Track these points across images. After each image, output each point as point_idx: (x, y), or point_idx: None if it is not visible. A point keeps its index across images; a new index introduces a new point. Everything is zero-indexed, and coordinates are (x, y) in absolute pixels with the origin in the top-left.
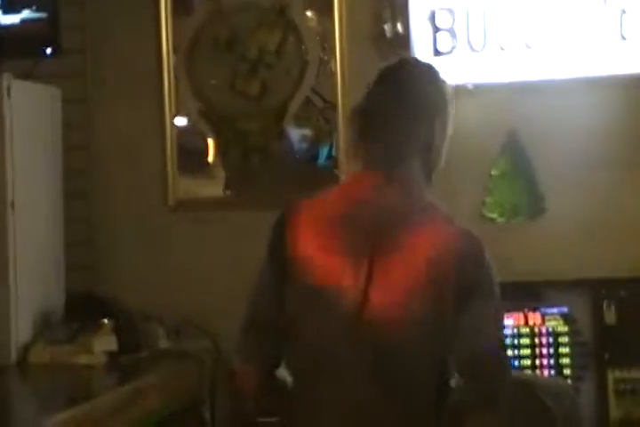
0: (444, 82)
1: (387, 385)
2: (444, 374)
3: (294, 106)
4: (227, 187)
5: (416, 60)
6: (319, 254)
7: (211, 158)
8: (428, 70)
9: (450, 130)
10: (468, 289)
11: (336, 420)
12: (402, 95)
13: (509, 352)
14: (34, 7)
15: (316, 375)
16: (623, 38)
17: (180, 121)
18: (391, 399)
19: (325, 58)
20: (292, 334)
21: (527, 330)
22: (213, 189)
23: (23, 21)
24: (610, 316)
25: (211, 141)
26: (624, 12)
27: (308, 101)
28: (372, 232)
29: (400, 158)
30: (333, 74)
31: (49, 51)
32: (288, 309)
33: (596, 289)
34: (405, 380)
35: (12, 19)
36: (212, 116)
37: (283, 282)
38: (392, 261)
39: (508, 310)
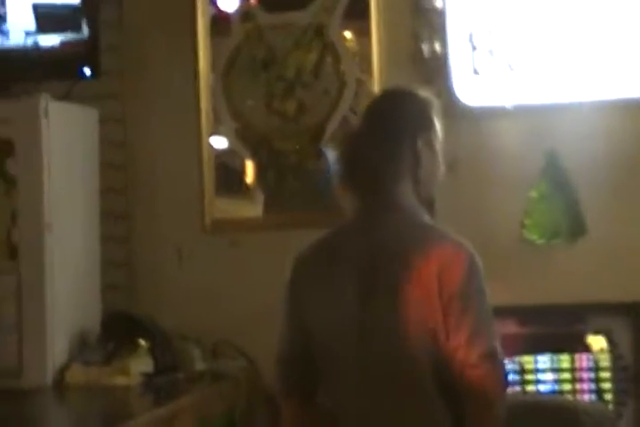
0: (426, 103)
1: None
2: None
3: (331, 126)
4: (264, 208)
5: (398, 87)
6: (323, 303)
7: (248, 179)
8: (408, 93)
9: (439, 148)
10: (454, 298)
11: None
12: (379, 120)
13: (549, 376)
14: (73, 29)
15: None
16: None
17: (218, 141)
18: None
19: (363, 78)
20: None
21: (567, 355)
22: (250, 209)
23: (62, 43)
24: None
25: (248, 162)
26: None
27: (345, 121)
28: (368, 264)
29: (387, 183)
30: (371, 94)
31: (88, 72)
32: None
33: (638, 312)
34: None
35: (52, 40)
36: (248, 137)
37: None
38: (388, 289)
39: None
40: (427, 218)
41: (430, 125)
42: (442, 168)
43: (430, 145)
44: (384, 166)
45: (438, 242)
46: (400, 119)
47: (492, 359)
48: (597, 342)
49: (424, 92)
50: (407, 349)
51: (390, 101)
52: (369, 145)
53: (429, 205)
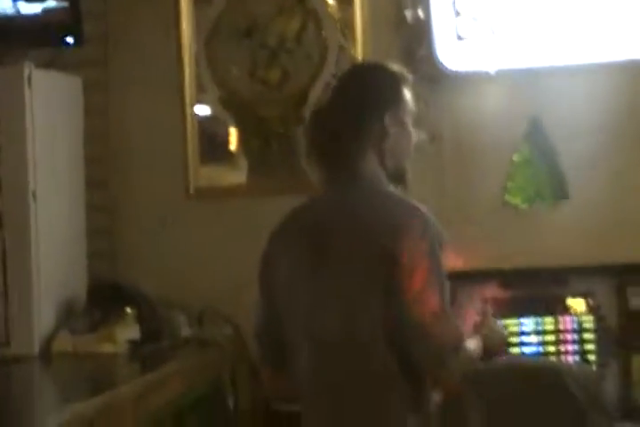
0: (396, 77)
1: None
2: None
3: (315, 93)
4: (249, 174)
5: (368, 61)
6: (285, 274)
7: (232, 146)
8: (376, 68)
9: (410, 122)
10: (406, 261)
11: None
12: (346, 94)
13: (534, 338)
14: None
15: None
16: None
17: (201, 109)
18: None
19: (345, 45)
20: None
21: (551, 317)
22: (235, 176)
23: (45, 11)
24: (634, 301)
25: (232, 129)
26: None
27: (328, 88)
28: (323, 234)
29: (351, 155)
30: (354, 60)
31: (70, 40)
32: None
33: (621, 274)
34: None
35: (34, 8)
36: (232, 104)
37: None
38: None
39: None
40: (390, 188)
41: (399, 100)
42: (413, 140)
43: (398, 119)
44: (349, 140)
45: (394, 208)
46: (366, 94)
47: (442, 318)
48: (580, 304)
49: (395, 66)
50: (357, 317)
51: (358, 76)
52: (335, 119)
53: (400, 177)
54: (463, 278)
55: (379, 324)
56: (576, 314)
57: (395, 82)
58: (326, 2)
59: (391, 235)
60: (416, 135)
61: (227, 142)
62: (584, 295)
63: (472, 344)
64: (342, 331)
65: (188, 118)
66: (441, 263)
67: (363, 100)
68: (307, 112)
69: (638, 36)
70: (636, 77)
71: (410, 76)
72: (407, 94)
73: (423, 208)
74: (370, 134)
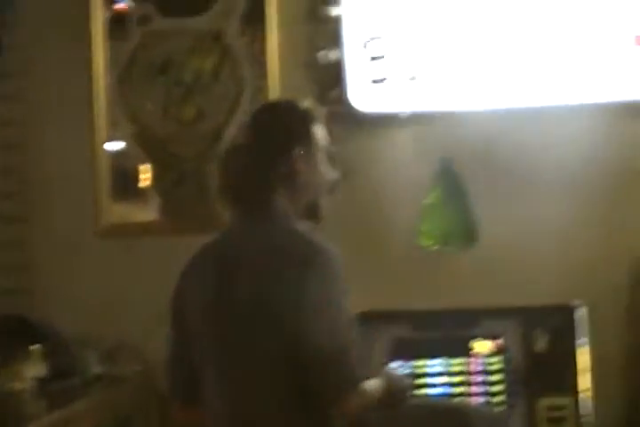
0: (306, 115)
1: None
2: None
3: (230, 131)
4: (161, 212)
5: (279, 99)
6: (193, 307)
7: (145, 183)
8: (286, 106)
9: (321, 159)
10: (311, 299)
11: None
12: (256, 133)
13: (443, 380)
14: None
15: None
16: (553, 70)
17: (114, 145)
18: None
19: (261, 84)
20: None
21: (460, 358)
22: (147, 213)
23: None
24: (540, 344)
25: (145, 166)
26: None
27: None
28: (231, 271)
29: (261, 193)
30: (269, 99)
31: None
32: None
33: (527, 317)
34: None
35: None
36: (145, 140)
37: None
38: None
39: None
40: (299, 225)
41: (309, 138)
42: (325, 179)
43: (308, 157)
44: (259, 178)
45: (298, 245)
46: (276, 131)
47: (343, 353)
48: (488, 346)
49: (306, 104)
50: (263, 350)
51: (268, 114)
52: (245, 157)
53: (313, 215)
54: (372, 319)
55: (280, 360)
56: (484, 356)
57: (305, 120)
58: (242, 41)
59: (294, 272)
60: (328, 173)
61: (139, 179)
62: (492, 337)
63: (374, 385)
64: (247, 364)
65: (100, 154)
66: (343, 301)
67: (272, 137)
68: (221, 150)
69: (549, 82)
70: (548, 121)
71: (322, 113)
72: (318, 132)
73: (328, 246)
74: (279, 172)
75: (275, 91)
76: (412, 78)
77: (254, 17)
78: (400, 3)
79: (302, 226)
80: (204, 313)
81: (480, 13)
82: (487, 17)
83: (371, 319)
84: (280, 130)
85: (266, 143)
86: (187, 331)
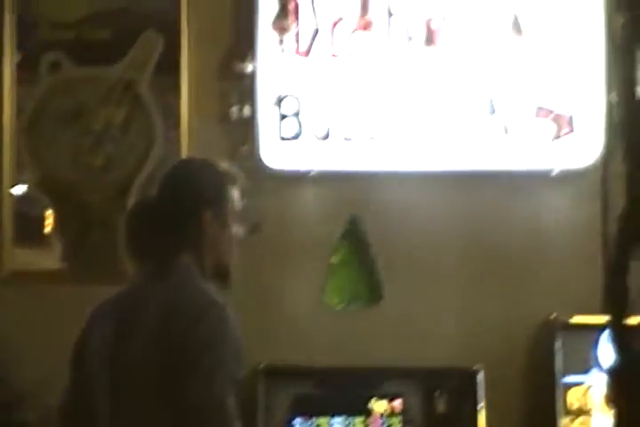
0: (221, 176)
1: None
2: None
3: (138, 181)
4: (63, 259)
5: (194, 158)
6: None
7: (50, 230)
8: (201, 166)
9: (232, 222)
10: (198, 350)
11: None
12: (168, 190)
13: None
14: None
15: None
16: (462, 136)
17: (19, 190)
18: None
19: (172, 135)
20: None
21: (361, 417)
22: (51, 261)
23: None
24: (441, 405)
25: (50, 212)
26: (464, 110)
27: (153, 178)
28: (129, 324)
29: (167, 250)
30: (180, 152)
31: None
32: None
33: (428, 378)
34: None
35: None
36: (52, 187)
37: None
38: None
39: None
40: (201, 284)
41: (222, 200)
42: (236, 239)
43: (219, 219)
44: (166, 235)
45: (193, 303)
46: (189, 191)
47: (218, 408)
48: (389, 405)
49: (222, 165)
50: (151, 402)
51: (183, 173)
52: (155, 213)
53: (221, 275)
54: (275, 375)
55: (166, 413)
56: (385, 415)
57: (220, 182)
58: (153, 91)
59: (183, 328)
60: (238, 234)
61: (44, 225)
62: (394, 397)
63: None
64: (135, 416)
65: (5, 198)
66: (228, 358)
67: (184, 197)
68: (129, 201)
69: (458, 148)
70: (450, 188)
71: (238, 176)
72: (232, 195)
73: (222, 302)
74: (187, 231)
75: (186, 144)
76: (323, 137)
77: (168, 69)
78: (313, 62)
79: (204, 284)
80: (101, 367)
81: (387, 76)
82: (393, 80)
83: (273, 375)
84: (193, 191)
85: (177, 203)
86: (83, 382)
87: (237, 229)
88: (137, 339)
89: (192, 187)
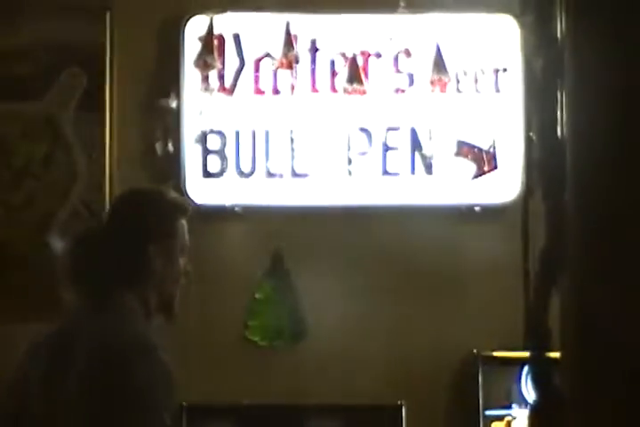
0: (172, 208)
1: None
2: None
3: (60, 218)
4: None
5: (140, 187)
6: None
7: None
8: (152, 197)
9: (179, 254)
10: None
11: None
12: (115, 221)
13: None
14: None
15: None
16: (386, 173)
17: None
18: None
19: (95, 172)
20: None
21: None
22: None
23: None
24: None
25: None
26: (387, 147)
27: (76, 214)
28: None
29: (109, 285)
30: (102, 188)
31: None
32: None
33: (351, 415)
34: None
35: None
36: None
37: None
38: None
39: None
40: (138, 326)
41: (171, 232)
42: (182, 272)
43: (167, 252)
44: (109, 268)
45: (125, 347)
46: (136, 223)
47: None
48: None
49: (171, 195)
50: None
51: (131, 202)
52: (100, 244)
53: (167, 308)
54: (196, 413)
55: None
56: None
57: (170, 213)
58: (74, 127)
59: (114, 373)
60: (185, 268)
61: None
62: None
63: None
64: None
65: None
66: (159, 403)
67: (131, 229)
68: (50, 237)
69: (378, 184)
70: (375, 223)
71: (188, 207)
72: (182, 227)
73: (151, 348)
74: (132, 264)
75: (108, 180)
76: (248, 173)
77: (90, 104)
78: (238, 99)
79: (141, 324)
80: (37, 399)
81: (311, 112)
82: (317, 116)
83: (194, 413)
84: (141, 223)
85: (124, 235)
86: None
87: (184, 263)
88: (69, 375)
89: (140, 219)
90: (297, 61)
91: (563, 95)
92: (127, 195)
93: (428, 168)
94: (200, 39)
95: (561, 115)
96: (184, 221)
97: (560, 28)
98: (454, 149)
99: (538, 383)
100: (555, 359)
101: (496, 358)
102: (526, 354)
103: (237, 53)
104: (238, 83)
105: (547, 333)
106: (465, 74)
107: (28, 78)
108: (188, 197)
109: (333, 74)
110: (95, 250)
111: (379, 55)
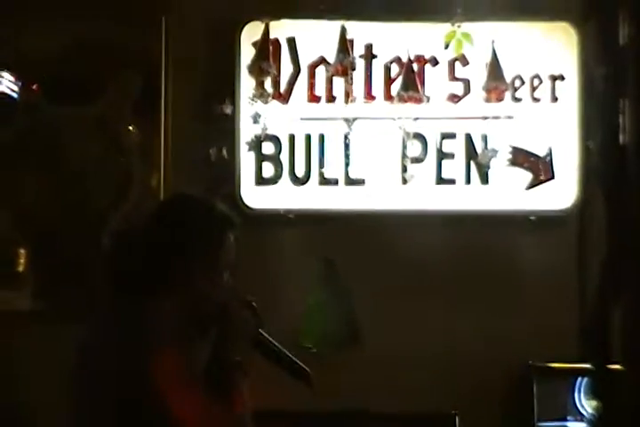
0: (212, 217)
1: None
2: None
3: (116, 218)
4: (37, 297)
5: (191, 194)
6: None
7: (21, 268)
8: (194, 205)
9: (226, 267)
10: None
11: None
12: (158, 228)
13: None
14: None
15: None
16: (441, 180)
17: None
18: None
19: (149, 175)
20: None
21: None
22: (23, 301)
23: None
24: None
25: (22, 251)
26: (442, 154)
27: (130, 215)
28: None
29: (141, 296)
30: (156, 191)
31: None
32: None
33: (405, 424)
34: None
35: None
36: (26, 225)
37: None
38: None
39: None
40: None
41: (215, 244)
42: (225, 286)
43: (210, 264)
44: (147, 272)
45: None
46: (184, 236)
47: None
48: None
49: (224, 209)
50: None
51: (181, 208)
52: (140, 247)
53: (206, 322)
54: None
55: None
56: None
57: (217, 225)
58: (131, 131)
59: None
60: (228, 282)
61: (15, 265)
62: None
63: None
64: None
65: None
66: None
67: (179, 240)
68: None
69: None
70: (430, 227)
71: (236, 221)
72: (228, 241)
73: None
74: (170, 272)
75: (163, 184)
76: (302, 179)
77: (145, 108)
78: (293, 105)
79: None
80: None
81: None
82: (373, 122)
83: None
84: (190, 236)
85: (165, 240)
86: None
87: (227, 277)
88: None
89: (186, 225)
90: (353, 68)
91: (625, 103)
92: (177, 199)
93: (484, 176)
94: (255, 45)
95: (623, 122)
96: (231, 236)
97: (623, 34)
98: (510, 158)
99: (599, 396)
100: (616, 372)
101: (551, 369)
102: (582, 366)
103: (292, 59)
104: (293, 89)
105: (607, 345)
106: (522, 82)
107: (84, 82)
108: (243, 203)
109: (389, 81)
110: (134, 251)
111: (435, 62)
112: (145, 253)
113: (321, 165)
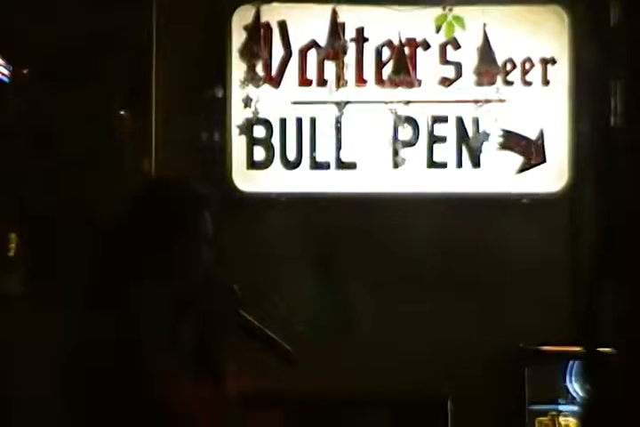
0: (191, 197)
1: None
2: None
3: (108, 205)
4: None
5: (165, 178)
6: None
7: (12, 253)
8: (171, 187)
9: (204, 244)
10: None
11: None
12: (135, 216)
13: None
14: None
15: None
16: (432, 164)
17: None
18: None
19: (141, 159)
20: None
21: None
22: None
23: None
24: None
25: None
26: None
27: (123, 202)
28: None
29: (127, 278)
30: (148, 176)
31: None
32: None
33: (398, 406)
34: None
35: None
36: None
37: None
38: None
39: None
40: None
41: (193, 223)
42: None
43: (188, 242)
44: (131, 257)
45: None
46: (161, 216)
47: None
48: None
49: (196, 186)
50: None
51: (157, 194)
52: (126, 235)
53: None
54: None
55: None
56: None
57: (192, 204)
58: (121, 117)
59: None
60: (206, 260)
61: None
62: None
63: None
64: None
65: None
66: None
67: (156, 221)
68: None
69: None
70: (424, 211)
71: (212, 198)
72: (205, 219)
73: None
74: (157, 256)
75: (154, 168)
76: (293, 163)
77: (136, 93)
78: (284, 89)
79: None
80: None
81: (358, 103)
82: (365, 107)
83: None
84: (167, 215)
85: (149, 227)
86: None
87: (206, 254)
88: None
89: (161, 210)
90: (344, 52)
91: (616, 85)
92: (150, 185)
93: (476, 160)
94: (246, 28)
95: (614, 105)
96: (206, 213)
97: (614, 16)
98: (502, 141)
99: (590, 379)
100: (606, 355)
101: (542, 352)
102: (573, 349)
103: (283, 43)
104: (285, 73)
105: (598, 328)
106: (513, 65)
107: (74, 68)
108: (231, 186)
109: (380, 64)
110: (122, 239)
111: (426, 46)
112: (125, 238)
113: (312, 148)
